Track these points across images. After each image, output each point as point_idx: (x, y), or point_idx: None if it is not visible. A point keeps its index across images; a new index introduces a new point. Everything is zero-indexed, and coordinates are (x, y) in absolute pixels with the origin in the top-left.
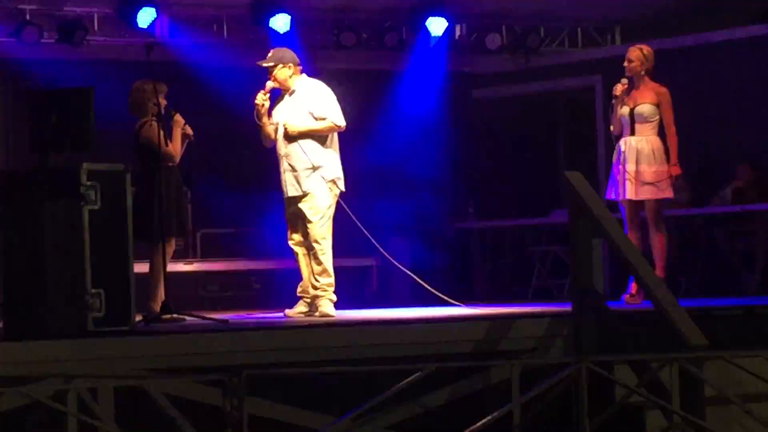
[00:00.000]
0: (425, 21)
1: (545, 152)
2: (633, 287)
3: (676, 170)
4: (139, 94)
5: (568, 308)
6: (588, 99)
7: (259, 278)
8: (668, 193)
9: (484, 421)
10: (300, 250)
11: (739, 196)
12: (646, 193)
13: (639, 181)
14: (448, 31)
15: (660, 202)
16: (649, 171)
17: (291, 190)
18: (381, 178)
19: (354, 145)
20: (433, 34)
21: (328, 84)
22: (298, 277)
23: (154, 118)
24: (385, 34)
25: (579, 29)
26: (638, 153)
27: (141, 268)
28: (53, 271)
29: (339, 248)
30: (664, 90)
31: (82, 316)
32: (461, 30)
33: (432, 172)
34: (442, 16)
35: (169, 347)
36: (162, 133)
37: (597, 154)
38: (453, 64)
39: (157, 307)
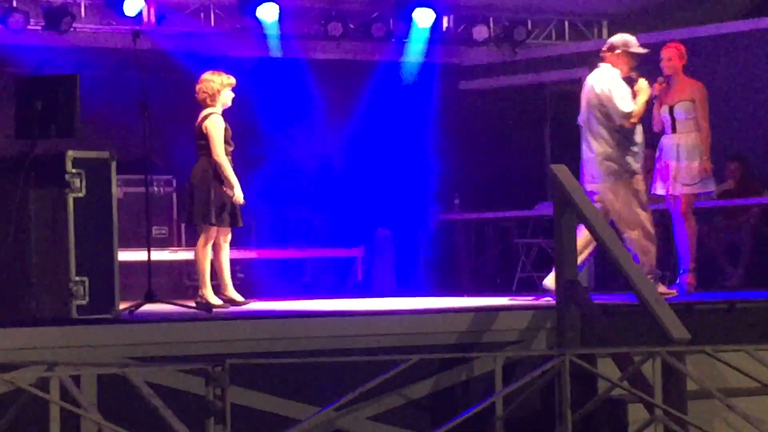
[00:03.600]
0: (412, 12)
1: (531, 145)
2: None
3: (708, 165)
4: (208, 85)
5: (552, 301)
6: (575, 92)
7: (243, 267)
8: (710, 187)
9: (467, 412)
10: None
11: (727, 191)
12: (688, 188)
13: (681, 176)
14: (436, 22)
15: (696, 196)
16: (691, 167)
17: None
18: (366, 169)
19: (339, 136)
20: (420, 26)
21: (315, 74)
22: (280, 267)
23: (218, 111)
24: (373, 24)
25: (566, 22)
26: (678, 149)
27: (125, 256)
28: (37, 258)
29: (324, 238)
30: (699, 85)
31: (66, 304)
32: (448, 21)
33: (418, 164)
34: (429, 7)
35: (153, 336)
36: (226, 126)
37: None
38: (440, 55)
39: (211, 295)
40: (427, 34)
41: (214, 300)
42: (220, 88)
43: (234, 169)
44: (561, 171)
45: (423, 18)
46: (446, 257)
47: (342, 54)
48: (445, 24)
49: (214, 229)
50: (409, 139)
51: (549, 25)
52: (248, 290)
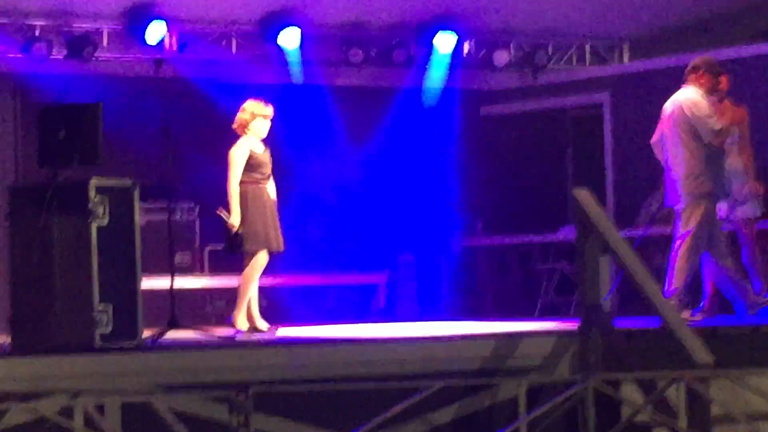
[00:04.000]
0: (433, 38)
1: (553, 169)
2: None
3: (758, 186)
4: (240, 114)
5: (575, 325)
6: (596, 116)
7: (266, 294)
8: (758, 210)
9: None
10: None
11: None
12: (742, 212)
13: (735, 199)
14: (456, 47)
15: (755, 219)
16: (742, 189)
17: None
18: (388, 194)
19: (361, 162)
20: (441, 51)
21: (337, 100)
22: (303, 293)
23: (247, 140)
24: (394, 50)
25: (587, 46)
26: (729, 173)
27: (148, 284)
28: (61, 286)
29: (346, 264)
30: (743, 109)
31: (89, 332)
32: (469, 46)
33: (440, 189)
34: (450, 33)
35: (176, 363)
36: (252, 155)
37: (605, 171)
38: (461, 80)
39: (241, 321)
40: (448, 60)
41: (241, 325)
42: (250, 118)
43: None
44: (583, 195)
45: (444, 43)
46: (469, 282)
47: (363, 80)
48: (465, 49)
49: (261, 256)
50: (431, 165)
51: (569, 50)
52: (272, 316)
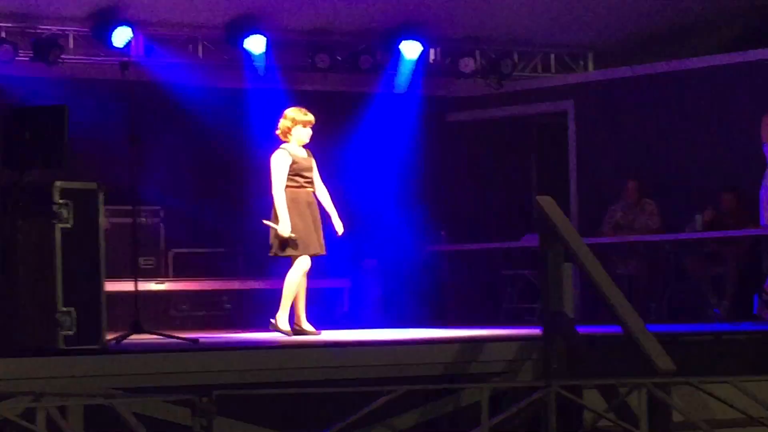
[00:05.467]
0: (399, 44)
1: (517, 176)
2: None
3: None
4: (282, 122)
5: (538, 332)
6: (561, 124)
7: (231, 298)
8: None
9: None
10: None
11: (718, 222)
12: None
13: None
14: (423, 54)
15: None
16: None
17: None
18: (353, 200)
19: (326, 167)
20: (407, 58)
21: (303, 105)
22: (270, 298)
23: (289, 147)
24: (360, 56)
25: (552, 55)
26: None
27: (112, 287)
28: (24, 288)
29: (311, 270)
30: None
31: (53, 334)
32: (435, 54)
33: (404, 195)
34: (416, 40)
35: (139, 366)
36: (295, 160)
37: (569, 179)
38: (427, 87)
39: (283, 322)
40: (413, 66)
41: (284, 326)
42: (291, 125)
43: (229, 200)
44: (547, 203)
45: (410, 50)
46: (433, 288)
47: (329, 86)
48: (431, 56)
49: (302, 260)
50: (396, 171)
51: (535, 58)
52: (236, 321)
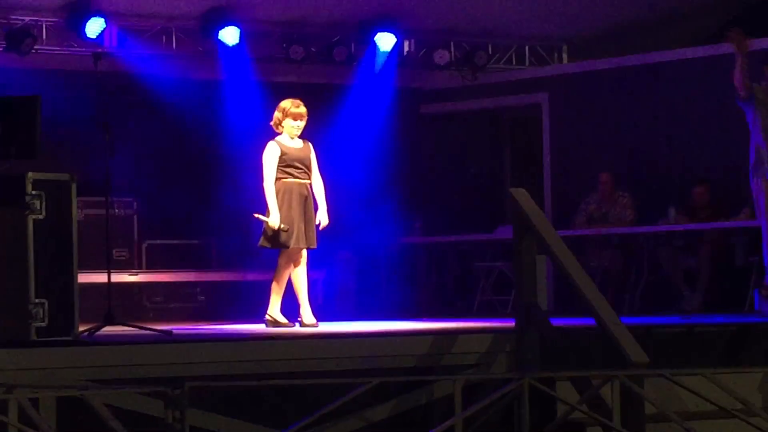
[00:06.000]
0: (374, 36)
1: (492, 168)
2: None
3: None
4: (275, 113)
5: (511, 324)
6: (535, 116)
7: (204, 290)
8: None
9: None
10: None
11: (692, 214)
12: None
13: None
14: (397, 46)
15: None
16: None
17: None
18: (328, 192)
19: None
20: (381, 50)
21: (277, 97)
22: (243, 290)
23: (280, 138)
24: (334, 48)
25: (526, 47)
26: None
27: (85, 278)
28: None
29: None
30: None
31: (25, 326)
32: (410, 46)
33: (379, 187)
34: (390, 32)
35: (112, 358)
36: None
37: (543, 171)
38: (401, 79)
39: (273, 315)
40: (388, 58)
41: (279, 318)
42: (282, 116)
43: (203, 191)
44: (520, 194)
45: (384, 42)
46: (407, 280)
47: (303, 77)
48: (406, 48)
49: (285, 253)
50: (370, 162)
51: (509, 50)
52: (209, 313)
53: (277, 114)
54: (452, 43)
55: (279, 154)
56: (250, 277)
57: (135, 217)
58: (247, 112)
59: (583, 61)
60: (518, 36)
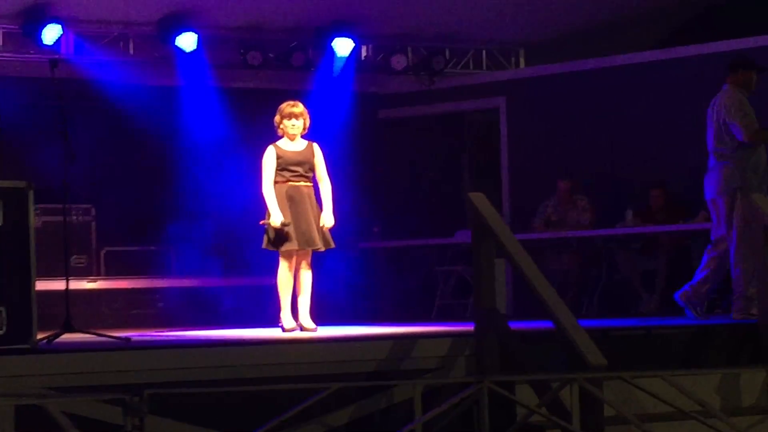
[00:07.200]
0: (331, 41)
1: (450, 173)
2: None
3: None
4: (276, 117)
5: (470, 328)
6: (492, 120)
7: (163, 296)
8: None
9: None
10: None
11: (649, 217)
12: None
13: None
14: (355, 51)
15: None
16: None
17: None
18: None
19: (259, 164)
20: (339, 55)
21: (235, 103)
22: (202, 296)
23: (280, 142)
24: (292, 54)
25: (484, 51)
26: None
27: (43, 286)
28: None
29: (242, 266)
30: None
31: None
32: (367, 51)
33: (337, 191)
34: (348, 37)
35: (71, 365)
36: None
37: (501, 175)
38: (359, 84)
39: (285, 322)
40: (345, 64)
41: (288, 324)
42: (279, 119)
43: (160, 198)
44: (478, 199)
45: (342, 47)
46: (366, 285)
47: (261, 83)
48: (363, 53)
49: (282, 254)
50: (329, 167)
51: (467, 55)
52: (169, 319)
53: (276, 117)
54: (410, 48)
55: (275, 157)
56: (207, 282)
57: (93, 223)
58: (205, 118)
59: (541, 65)
60: (475, 40)
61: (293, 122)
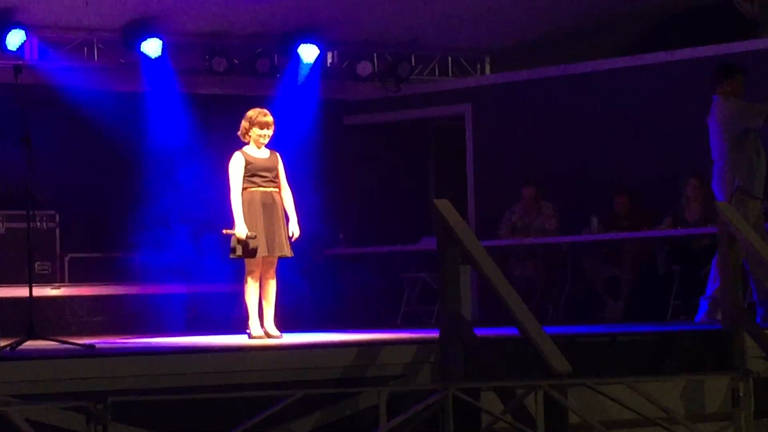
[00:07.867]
0: (297, 48)
1: (416, 179)
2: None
3: None
4: (241, 123)
5: (436, 334)
6: (458, 127)
7: (127, 303)
8: None
9: None
10: None
11: (614, 224)
12: None
13: None
14: (320, 58)
15: None
16: None
17: None
18: None
19: (225, 170)
20: (304, 61)
21: (200, 109)
22: (167, 303)
23: (247, 149)
24: (257, 60)
25: (449, 58)
26: None
27: (7, 292)
28: None
29: (208, 273)
30: None
31: None
32: (333, 57)
33: (302, 198)
34: (313, 44)
35: (34, 373)
36: (248, 161)
37: (466, 181)
38: (325, 90)
39: (253, 329)
40: (311, 70)
41: (256, 331)
42: (248, 126)
43: (125, 204)
44: (443, 205)
45: (307, 54)
46: (331, 292)
47: (226, 89)
48: (329, 60)
49: (249, 262)
50: (293, 174)
51: (432, 61)
52: (133, 326)
53: (244, 123)
54: (375, 55)
55: (244, 164)
56: (174, 289)
57: (57, 230)
58: (170, 124)
59: (506, 72)
60: (441, 47)
61: (265, 132)
